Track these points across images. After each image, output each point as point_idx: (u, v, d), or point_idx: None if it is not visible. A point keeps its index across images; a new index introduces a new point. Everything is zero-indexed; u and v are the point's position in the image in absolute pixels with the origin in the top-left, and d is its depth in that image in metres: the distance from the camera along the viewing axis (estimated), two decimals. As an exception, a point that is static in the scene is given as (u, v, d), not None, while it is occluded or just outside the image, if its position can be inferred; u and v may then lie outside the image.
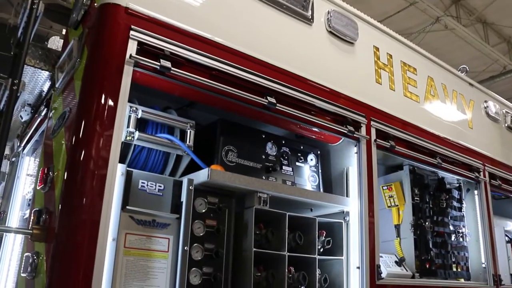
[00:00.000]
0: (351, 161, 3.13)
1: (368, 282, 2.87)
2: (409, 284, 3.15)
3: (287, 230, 2.69)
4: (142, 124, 2.59)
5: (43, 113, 3.15)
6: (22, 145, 3.77)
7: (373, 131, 3.20)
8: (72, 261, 2.02)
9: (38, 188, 2.53)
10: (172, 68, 2.38)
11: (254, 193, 2.63)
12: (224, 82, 2.56)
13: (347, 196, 3.09)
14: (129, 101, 2.54)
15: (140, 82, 2.43)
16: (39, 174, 2.59)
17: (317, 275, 2.84)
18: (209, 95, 2.59)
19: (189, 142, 2.64)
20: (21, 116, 3.59)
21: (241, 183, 2.57)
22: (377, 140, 3.19)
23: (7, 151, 4.20)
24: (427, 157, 3.55)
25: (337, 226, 2.98)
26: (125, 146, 2.52)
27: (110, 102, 2.22)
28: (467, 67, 4.43)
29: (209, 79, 2.52)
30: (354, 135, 3.05)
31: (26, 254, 2.43)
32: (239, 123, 2.93)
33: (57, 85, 2.82)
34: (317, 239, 2.83)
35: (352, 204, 3.03)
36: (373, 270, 2.92)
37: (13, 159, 4.03)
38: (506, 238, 4.71)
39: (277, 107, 2.71)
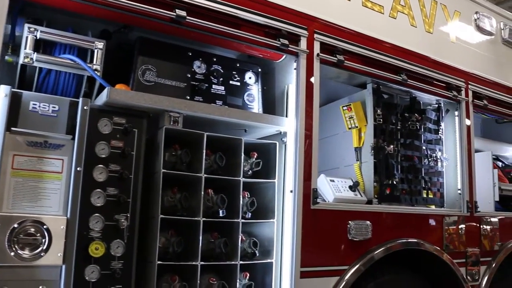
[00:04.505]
0: (291, 78, 2.88)
1: (301, 207, 2.69)
2: (351, 209, 2.94)
3: (204, 150, 2.53)
4: (49, 47, 2.47)
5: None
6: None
7: (316, 45, 2.92)
8: None
9: None
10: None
11: (164, 112, 2.46)
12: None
13: (286, 116, 2.85)
14: (38, 22, 2.44)
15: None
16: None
17: (246, 198, 2.69)
18: (115, 12, 2.42)
19: (96, 62, 2.48)
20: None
21: (146, 102, 2.42)
22: (321, 54, 2.88)
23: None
24: (388, 73, 3.22)
25: (272, 147, 2.77)
26: (30, 69, 2.42)
27: (-15, 21, 2.09)
28: (455, -27, 3.91)
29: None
30: (289, 48, 2.78)
31: None
32: (163, 41, 2.74)
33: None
34: (243, 161, 2.64)
35: (289, 125, 2.80)
36: (308, 194, 2.72)
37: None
38: (500, 163, 4.32)
39: (187, 21, 2.47)
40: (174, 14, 2.45)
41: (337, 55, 2.98)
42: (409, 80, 3.33)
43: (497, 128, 4.85)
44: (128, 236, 2.35)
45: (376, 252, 2.95)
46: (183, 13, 2.47)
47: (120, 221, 2.31)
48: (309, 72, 2.86)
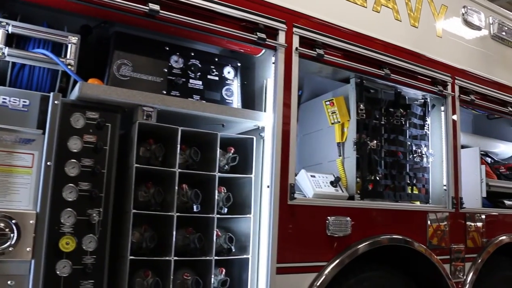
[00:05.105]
0: (270, 73, 2.89)
1: (277, 202, 2.69)
2: (329, 205, 2.94)
3: (178, 145, 2.54)
4: (23, 41, 2.49)
5: None
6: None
7: (295, 39, 2.92)
8: None
9: None
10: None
11: (138, 107, 2.47)
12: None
13: (265, 111, 2.86)
14: (12, 17, 2.46)
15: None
16: None
17: (223, 193, 2.69)
18: (88, 6, 2.44)
19: (70, 56, 2.50)
20: None
21: (119, 96, 2.44)
22: (300, 48, 2.89)
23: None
24: (370, 68, 3.21)
25: (250, 142, 2.78)
26: (4, 64, 2.45)
27: None
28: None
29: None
30: (267, 42, 2.78)
31: None
32: (139, 36, 2.75)
33: None
34: (219, 156, 2.65)
35: (267, 119, 2.81)
36: (285, 189, 2.72)
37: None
38: (489, 159, 4.31)
39: (161, 15, 2.47)
40: (147, 8, 2.46)
41: (317, 49, 2.98)
42: (392, 75, 3.32)
43: (488, 124, 4.84)
44: (100, 231, 2.36)
45: (356, 248, 2.95)
46: (157, 7, 2.48)
47: (92, 216, 2.32)
48: (288, 66, 2.86)
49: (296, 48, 2.90)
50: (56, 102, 2.31)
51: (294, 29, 2.92)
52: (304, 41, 2.95)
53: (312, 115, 3.67)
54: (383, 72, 3.27)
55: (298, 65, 2.91)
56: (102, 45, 2.84)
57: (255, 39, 2.76)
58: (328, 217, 2.88)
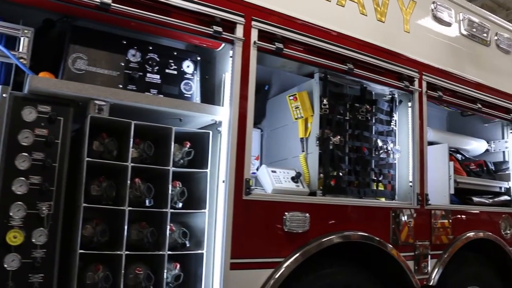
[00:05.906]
0: (229, 67, 2.94)
1: (232, 197, 2.75)
2: (287, 201, 3.00)
3: (131, 139, 2.60)
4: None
5: None
6: None
7: (254, 32, 2.98)
8: None
9: None
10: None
11: (89, 100, 2.53)
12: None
13: (222, 105, 2.92)
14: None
15: None
16: None
17: (178, 188, 2.76)
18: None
19: (22, 50, 2.55)
20: None
21: (70, 90, 2.50)
22: (258, 42, 2.95)
23: None
24: (332, 62, 3.27)
25: (206, 136, 2.84)
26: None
27: None
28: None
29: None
30: (223, 36, 2.84)
31: None
32: (96, 30, 2.80)
33: None
34: (173, 151, 2.72)
35: (224, 114, 2.87)
36: (240, 184, 2.78)
37: None
38: (459, 156, 4.40)
39: (113, 8, 2.53)
40: (99, 1, 2.51)
41: (276, 43, 3.04)
42: (356, 70, 3.38)
43: (462, 121, 4.94)
44: (51, 225, 2.42)
45: (315, 244, 3.01)
46: (108, 0, 2.53)
47: (41, 210, 2.38)
48: (245, 60, 2.92)
49: (255, 42, 2.96)
50: (4, 95, 2.36)
51: (253, 23, 2.97)
52: (263, 35, 3.01)
53: (279, 110, 3.73)
54: (346, 67, 3.34)
55: (257, 59, 2.97)
56: (63, 39, 2.90)
57: (211, 32, 2.82)
58: (286, 213, 2.94)
